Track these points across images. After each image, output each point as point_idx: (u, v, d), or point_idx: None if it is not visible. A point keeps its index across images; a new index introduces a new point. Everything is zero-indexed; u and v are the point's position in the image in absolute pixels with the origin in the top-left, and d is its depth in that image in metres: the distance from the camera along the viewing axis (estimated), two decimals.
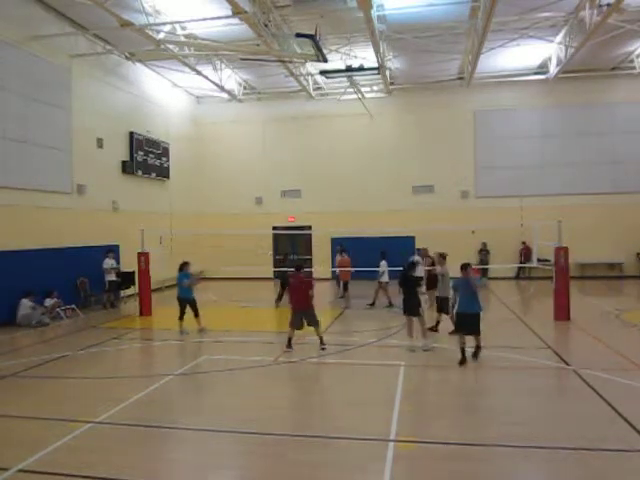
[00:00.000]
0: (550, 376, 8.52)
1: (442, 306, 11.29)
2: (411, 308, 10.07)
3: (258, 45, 16.19)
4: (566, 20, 16.25)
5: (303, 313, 9.91)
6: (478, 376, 8.52)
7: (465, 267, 9.05)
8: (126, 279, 16.69)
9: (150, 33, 15.13)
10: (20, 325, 12.94)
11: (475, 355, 9.03)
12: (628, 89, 21.47)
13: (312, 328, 10.00)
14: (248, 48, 16.87)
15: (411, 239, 20.60)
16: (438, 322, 11.47)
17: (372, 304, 15.00)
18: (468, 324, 8.84)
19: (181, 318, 11.82)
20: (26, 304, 13.14)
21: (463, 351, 8.79)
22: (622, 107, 21.58)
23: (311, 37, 14.66)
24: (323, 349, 9.89)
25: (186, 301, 11.86)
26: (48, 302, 13.80)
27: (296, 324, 9.94)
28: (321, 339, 10.01)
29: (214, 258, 22.30)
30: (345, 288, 15.89)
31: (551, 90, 21.67)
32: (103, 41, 17.20)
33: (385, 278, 14.81)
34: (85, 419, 6.49)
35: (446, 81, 22.29)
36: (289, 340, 9.89)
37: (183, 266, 12.15)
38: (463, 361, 8.75)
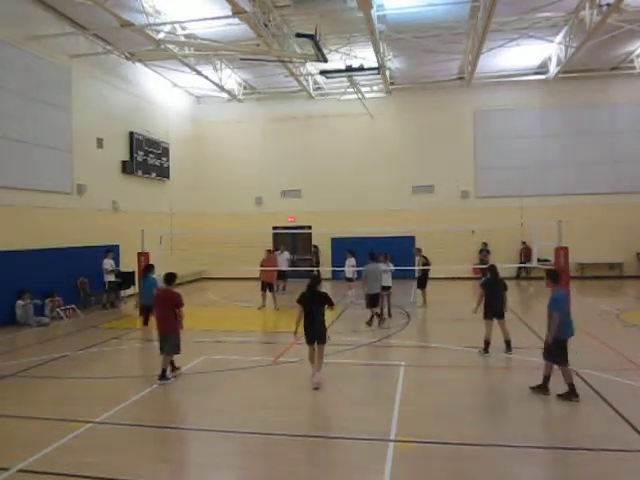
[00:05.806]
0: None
1: (371, 302, 12.29)
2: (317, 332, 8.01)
3: (258, 45, 16.21)
4: (566, 20, 16.26)
5: (162, 336, 8.09)
6: (478, 376, 8.52)
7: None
8: (126, 279, 16.69)
9: (150, 33, 15.14)
10: (19, 324, 12.97)
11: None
12: (628, 89, 21.46)
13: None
14: (248, 48, 16.89)
15: (411, 239, 20.60)
16: (372, 317, 12.33)
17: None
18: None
19: (146, 324, 11.31)
20: (19, 304, 13.16)
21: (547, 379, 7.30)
22: (622, 107, 21.58)
23: (311, 37, 14.69)
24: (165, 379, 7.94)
25: (150, 308, 10.50)
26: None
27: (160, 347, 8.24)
28: (163, 372, 7.99)
29: (214, 258, 22.28)
30: (270, 289, 15.23)
31: (551, 90, 21.67)
32: (103, 41, 17.19)
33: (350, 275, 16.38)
34: (85, 419, 6.49)
35: (446, 81, 22.29)
36: (163, 372, 8.00)
37: (148, 269, 10.88)
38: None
